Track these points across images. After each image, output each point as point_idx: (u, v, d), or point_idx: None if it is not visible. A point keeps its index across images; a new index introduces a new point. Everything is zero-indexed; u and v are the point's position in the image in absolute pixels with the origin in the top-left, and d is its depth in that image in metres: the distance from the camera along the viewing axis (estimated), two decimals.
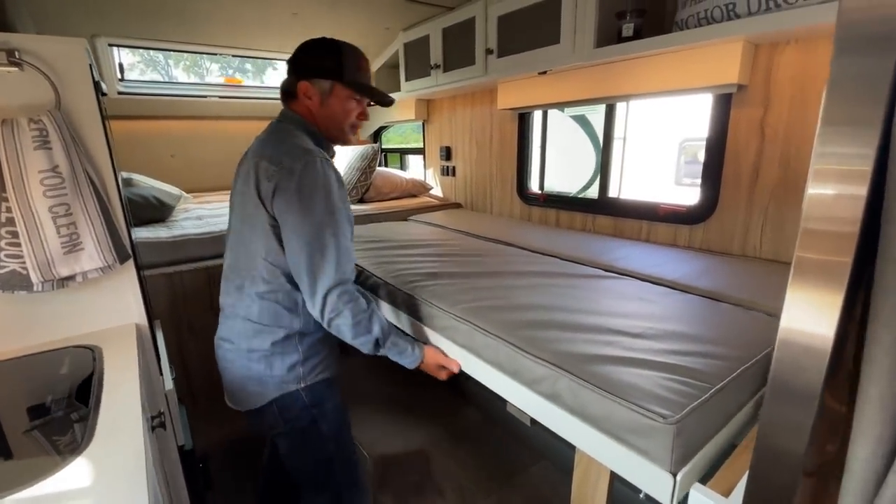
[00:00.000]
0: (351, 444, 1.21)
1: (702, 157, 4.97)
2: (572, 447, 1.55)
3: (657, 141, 4.59)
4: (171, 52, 2.89)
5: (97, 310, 1.12)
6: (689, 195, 4.49)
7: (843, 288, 0.42)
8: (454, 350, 1.11)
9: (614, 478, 0.87)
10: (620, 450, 0.74)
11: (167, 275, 1.89)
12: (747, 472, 0.67)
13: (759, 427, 0.52)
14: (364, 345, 1.01)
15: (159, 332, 1.33)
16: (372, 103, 1.13)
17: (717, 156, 1.59)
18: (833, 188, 0.41)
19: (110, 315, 1.14)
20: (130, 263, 1.15)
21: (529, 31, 1.74)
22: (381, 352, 1.03)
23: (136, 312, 1.20)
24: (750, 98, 1.47)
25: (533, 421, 1.04)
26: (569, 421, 0.83)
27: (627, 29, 1.51)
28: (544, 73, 1.85)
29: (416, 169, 3.65)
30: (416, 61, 2.41)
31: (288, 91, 1.07)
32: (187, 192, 2.81)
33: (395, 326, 1.12)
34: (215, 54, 2.37)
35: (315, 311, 0.98)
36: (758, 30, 1.22)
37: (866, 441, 0.44)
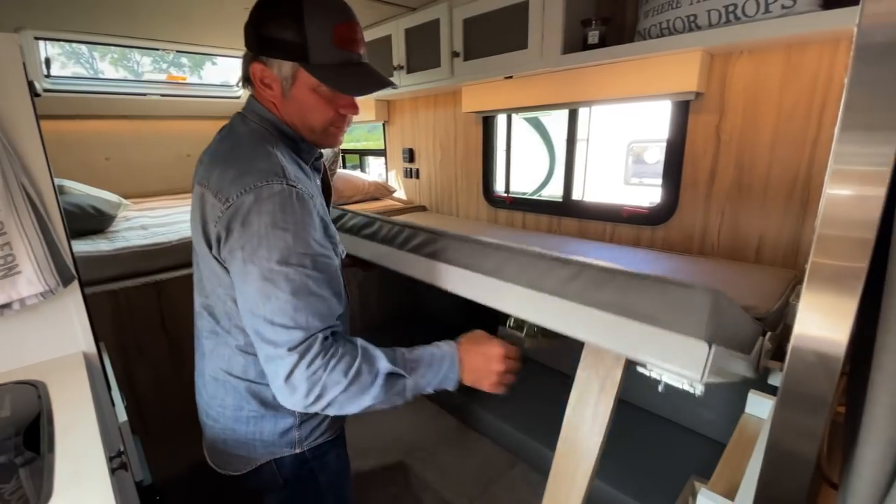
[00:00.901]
0: (348, 493, 1.04)
1: (647, 157, 5.19)
2: (548, 446, 1.57)
3: (607, 142, 4.78)
4: (97, 45, 2.64)
5: (38, 340, 0.99)
6: (638, 194, 4.74)
7: (858, 294, 0.42)
8: (470, 277, 0.99)
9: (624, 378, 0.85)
10: (647, 331, 0.72)
11: (111, 292, 1.72)
12: (747, 472, 0.70)
13: (771, 432, 0.53)
14: (380, 396, 0.71)
15: (105, 356, 1.21)
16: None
17: (677, 160, 1.67)
18: (851, 189, 0.41)
19: (54, 345, 1.01)
20: (75, 285, 1.03)
21: (496, 35, 1.74)
22: (409, 384, 0.74)
23: (82, 340, 1.07)
24: (706, 105, 1.55)
25: (529, 338, 0.98)
26: (584, 314, 0.80)
27: (593, 36, 1.54)
28: (510, 77, 1.86)
29: (375, 170, 3.57)
30: (378, 62, 2.35)
31: (245, 75, 0.79)
32: (126, 198, 2.58)
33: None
34: (157, 49, 2.18)
35: (287, 400, 0.69)
36: (718, 42, 1.29)
37: (877, 444, 0.46)
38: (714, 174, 1.58)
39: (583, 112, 2.08)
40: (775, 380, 1.05)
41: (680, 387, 0.71)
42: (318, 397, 0.68)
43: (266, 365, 0.70)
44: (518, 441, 1.68)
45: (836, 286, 0.44)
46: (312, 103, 0.77)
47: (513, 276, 0.91)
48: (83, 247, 1.81)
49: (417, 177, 2.77)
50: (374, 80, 0.78)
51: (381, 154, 3.04)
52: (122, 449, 1.00)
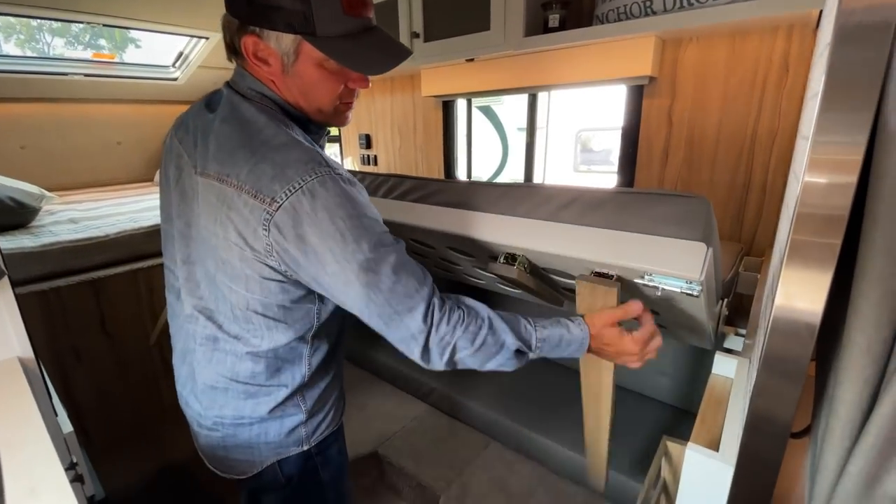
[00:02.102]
0: (348, 490, 1.00)
1: (595, 145, 5.35)
2: (521, 423, 1.61)
3: (557, 131, 4.92)
4: (5, 17, 2.34)
5: None
6: (587, 181, 4.93)
7: (833, 267, 0.46)
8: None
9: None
10: (647, 240, 0.74)
11: (40, 293, 1.55)
12: (725, 427, 0.75)
13: (753, 396, 0.56)
14: (505, 364, 0.72)
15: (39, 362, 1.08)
16: None
17: (632, 141, 1.74)
18: (826, 177, 0.44)
19: None
20: (5, 282, 0.91)
21: (457, 16, 1.72)
22: (531, 357, 0.75)
23: (17, 343, 0.95)
24: (659, 89, 1.62)
25: (519, 272, 0.95)
26: (583, 234, 0.79)
27: (554, 19, 1.56)
28: (471, 60, 1.85)
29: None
30: None
31: (231, 46, 0.69)
32: (48, 190, 2.33)
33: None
34: (81, 22, 1.95)
35: (431, 361, 0.70)
36: (672, 26, 1.35)
37: (854, 384, 0.51)
38: (667, 154, 1.67)
39: (541, 100, 2.11)
40: (730, 344, 1.13)
41: (678, 291, 0.73)
42: (451, 359, 0.70)
43: (398, 345, 0.69)
44: (490, 421, 1.70)
45: (813, 261, 0.47)
46: (319, 79, 0.68)
47: (508, 208, 0.89)
48: (3, 244, 1.61)
49: (375, 163, 2.70)
50: (394, 52, 0.70)
51: (336, 140, 2.93)
52: (74, 460, 0.90)
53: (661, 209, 0.74)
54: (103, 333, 1.73)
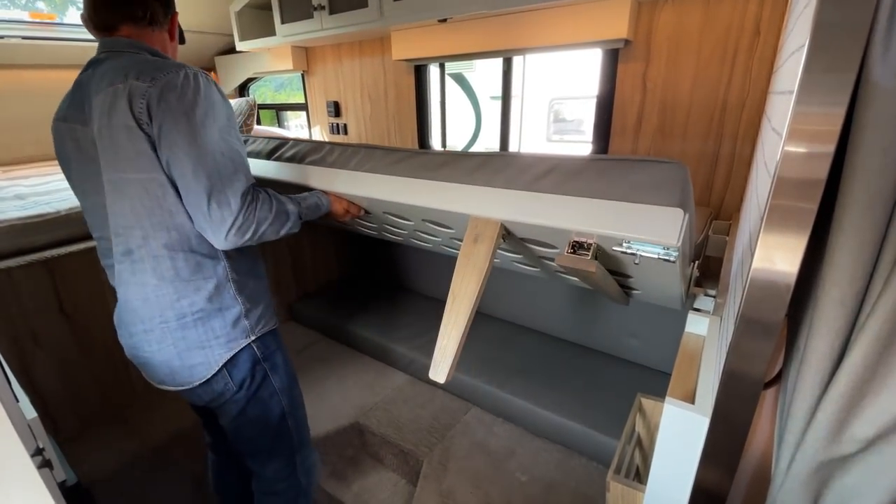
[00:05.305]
0: (300, 398, 1.12)
1: (567, 114, 5.33)
2: (499, 387, 1.65)
3: (530, 101, 4.86)
4: None
5: None
6: (560, 150, 4.93)
7: (808, 231, 0.47)
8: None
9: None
10: (625, 208, 0.74)
11: None
12: (700, 381, 0.77)
13: (728, 353, 0.58)
14: (291, 228, 0.94)
15: None
16: None
17: (607, 107, 1.73)
18: (805, 147, 0.45)
19: None
20: None
21: None
22: (303, 219, 0.98)
23: None
24: (634, 53, 1.61)
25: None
26: (562, 203, 0.80)
27: None
28: (444, 21, 1.78)
29: (296, 128, 3.30)
30: (294, 1, 2.11)
31: (152, 18, 0.89)
32: None
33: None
34: None
35: (230, 238, 0.83)
36: None
37: (827, 335, 0.53)
38: (641, 120, 1.67)
39: (515, 68, 2.06)
40: (700, 304, 1.17)
41: (655, 257, 0.74)
42: (255, 233, 0.85)
43: (212, 213, 0.80)
44: (469, 387, 1.73)
45: (789, 224, 0.48)
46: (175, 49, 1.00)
47: (486, 179, 0.88)
48: None
49: (345, 132, 2.61)
50: None
51: (302, 108, 2.81)
52: (40, 446, 0.86)
53: (639, 176, 0.74)
54: (62, 315, 1.64)
